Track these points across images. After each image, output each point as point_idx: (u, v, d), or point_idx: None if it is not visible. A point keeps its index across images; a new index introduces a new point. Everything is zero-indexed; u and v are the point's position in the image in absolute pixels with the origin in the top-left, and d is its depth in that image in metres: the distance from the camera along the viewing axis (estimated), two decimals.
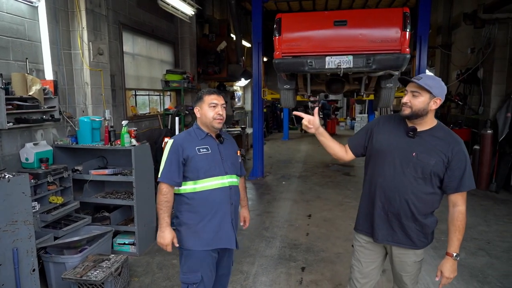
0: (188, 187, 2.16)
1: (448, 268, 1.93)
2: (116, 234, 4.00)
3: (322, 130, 2.14)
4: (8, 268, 2.41)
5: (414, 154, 1.93)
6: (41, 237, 3.15)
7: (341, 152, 2.21)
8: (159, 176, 2.13)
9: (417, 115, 1.91)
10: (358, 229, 2.23)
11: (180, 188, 2.16)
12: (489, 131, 6.23)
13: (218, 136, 2.28)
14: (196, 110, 2.25)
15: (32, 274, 2.57)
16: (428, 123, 1.97)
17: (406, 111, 1.93)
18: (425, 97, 1.89)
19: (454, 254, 1.92)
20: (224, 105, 2.23)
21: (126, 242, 3.96)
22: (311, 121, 2.07)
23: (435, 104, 1.90)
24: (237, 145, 2.47)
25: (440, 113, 8.94)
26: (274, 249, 4.04)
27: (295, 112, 2.40)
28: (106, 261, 3.11)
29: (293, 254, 3.92)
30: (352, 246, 2.30)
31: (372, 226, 2.10)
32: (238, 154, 2.39)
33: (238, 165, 2.37)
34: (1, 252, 2.37)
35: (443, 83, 1.94)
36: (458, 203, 1.93)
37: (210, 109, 2.18)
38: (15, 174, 2.53)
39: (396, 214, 2.00)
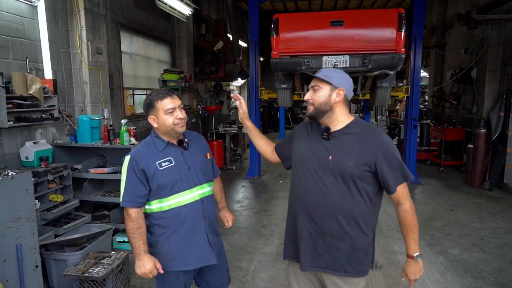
0: (153, 206, 1.92)
1: (411, 270, 1.75)
2: (115, 232, 4.02)
3: (250, 124, 2.08)
4: (12, 264, 2.44)
5: (330, 158, 1.69)
6: (42, 235, 3.17)
7: (267, 150, 2.09)
8: (120, 200, 1.88)
9: (321, 111, 1.72)
10: (286, 256, 1.91)
11: (145, 207, 1.92)
12: (482, 130, 6.31)
13: (180, 142, 1.97)
14: (151, 120, 1.93)
15: (35, 270, 2.60)
16: (343, 120, 1.74)
17: (310, 108, 1.76)
18: (325, 89, 1.72)
19: (415, 255, 1.73)
20: (182, 105, 1.94)
21: (126, 240, 3.98)
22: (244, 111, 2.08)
23: (338, 96, 1.71)
24: (206, 145, 2.16)
25: (435, 113, 9.05)
26: (272, 246, 4.09)
27: (232, 95, 2.23)
28: (107, 258, 3.13)
29: None
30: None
31: (296, 250, 1.82)
32: (208, 157, 2.10)
33: (210, 171, 2.09)
34: (5, 248, 2.40)
35: (345, 74, 1.78)
36: (400, 201, 1.71)
37: (168, 116, 1.87)
38: (18, 172, 2.56)
39: (320, 233, 1.73)
